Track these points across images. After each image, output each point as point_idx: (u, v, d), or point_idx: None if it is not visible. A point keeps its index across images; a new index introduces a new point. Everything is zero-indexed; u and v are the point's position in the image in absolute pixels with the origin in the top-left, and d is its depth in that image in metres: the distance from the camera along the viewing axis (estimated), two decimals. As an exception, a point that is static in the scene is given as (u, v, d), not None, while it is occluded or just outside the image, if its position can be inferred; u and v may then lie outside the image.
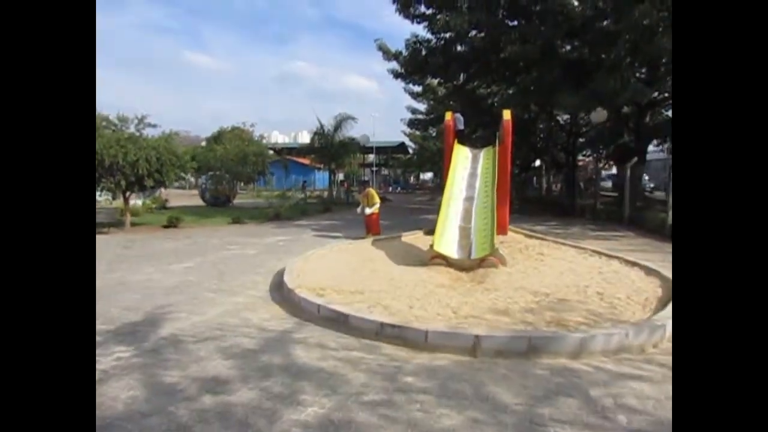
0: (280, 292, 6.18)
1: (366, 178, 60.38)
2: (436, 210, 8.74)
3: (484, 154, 10.48)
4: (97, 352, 4.02)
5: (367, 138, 21.80)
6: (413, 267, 7.13)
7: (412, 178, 66.82)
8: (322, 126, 28.20)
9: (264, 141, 34.48)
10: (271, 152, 31.33)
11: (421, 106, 33.88)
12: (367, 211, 11.36)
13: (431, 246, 7.32)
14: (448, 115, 11.42)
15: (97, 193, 14.46)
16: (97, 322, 4.87)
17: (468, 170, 10.09)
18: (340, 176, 37.78)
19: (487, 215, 8.12)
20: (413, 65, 20.58)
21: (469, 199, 9.03)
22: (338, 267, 7.29)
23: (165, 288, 6.53)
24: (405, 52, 20.84)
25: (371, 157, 49.59)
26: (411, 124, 33.62)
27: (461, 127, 11.27)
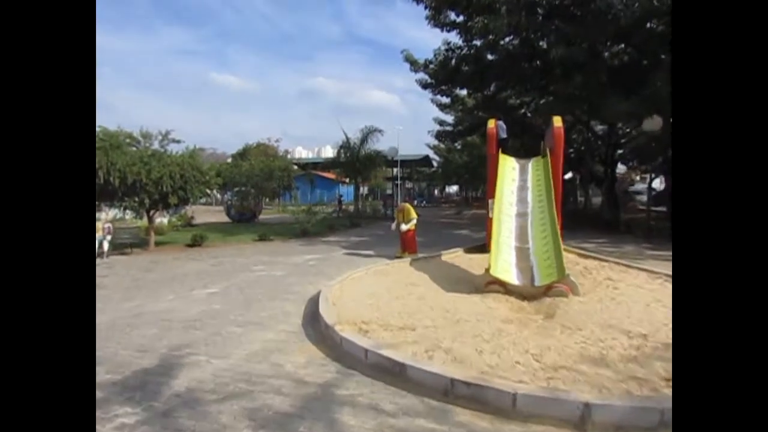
0: (315, 326, 5.31)
1: (390, 192, 59.69)
2: (468, 225, 7.84)
3: (533, 165, 9.47)
4: (97, 414, 3.20)
5: (395, 150, 21.01)
6: (466, 295, 6.16)
7: (435, 191, 65.76)
8: (347, 139, 27.65)
9: (288, 156, 34.41)
10: (295, 167, 30.97)
11: (449, 118, 33.01)
12: (403, 227, 10.46)
13: (487, 270, 6.34)
14: (491, 123, 10.48)
15: (120, 212, 14.05)
16: (102, 369, 4.09)
17: (516, 183, 9.11)
18: (365, 190, 37.05)
19: (547, 234, 7.10)
20: (443, 74, 19.81)
21: (522, 216, 8.03)
22: (379, 293, 6.38)
23: (185, 320, 5.75)
24: (434, 62, 20.16)
25: (394, 171, 48.97)
26: (439, 136, 32.71)
27: (504, 135, 10.32)
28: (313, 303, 6.34)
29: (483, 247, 11.23)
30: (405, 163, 45.32)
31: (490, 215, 10.40)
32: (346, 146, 27.77)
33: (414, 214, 10.55)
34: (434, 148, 53.43)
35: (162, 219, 19.06)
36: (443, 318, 5.07)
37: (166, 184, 12.44)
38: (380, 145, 27.81)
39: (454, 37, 17.83)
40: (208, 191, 14.03)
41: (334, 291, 6.37)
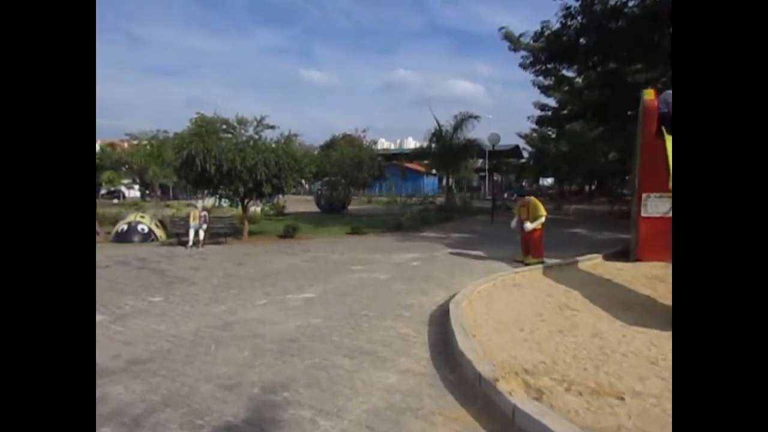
0: (452, 366, 3.81)
1: (476, 184, 56.66)
2: (579, 222, 5.80)
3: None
4: None
5: (497, 137, 18.86)
6: (659, 331, 4.27)
7: (524, 183, 61.34)
8: (439, 127, 25.85)
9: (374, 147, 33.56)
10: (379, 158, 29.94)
11: (552, 101, 29.75)
12: (528, 226, 8.59)
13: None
14: (649, 94, 8.19)
15: (216, 200, 13.78)
16: (176, 417, 2.95)
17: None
18: (452, 182, 34.97)
19: None
20: (557, 48, 17.20)
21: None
22: (527, 318, 4.72)
23: (280, 338, 4.57)
24: (544, 36, 17.63)
25: (479, 162, 46.14)
26: (540, 121, 29.65)
27: (666, 109, 7.98)
28: (438, 326, 4.85)
29: (625, 253, 9.01)
30: (492, 154, 42.48)
31: (645, 214, 8.17)
32: (437, 134, 26.02)
33: (542, 211, 8.63)
34: (526, 137, 49.59)
35: (255, 208, 18.96)
36: (658, 377, 3.28)
37: (261, 172, 11.77)
38: (467, 134, 25.70)
39: (572, 1, 15.26)
40: (302, 180, 13.20)
41: (466, 312, 4.82)
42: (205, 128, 11.67)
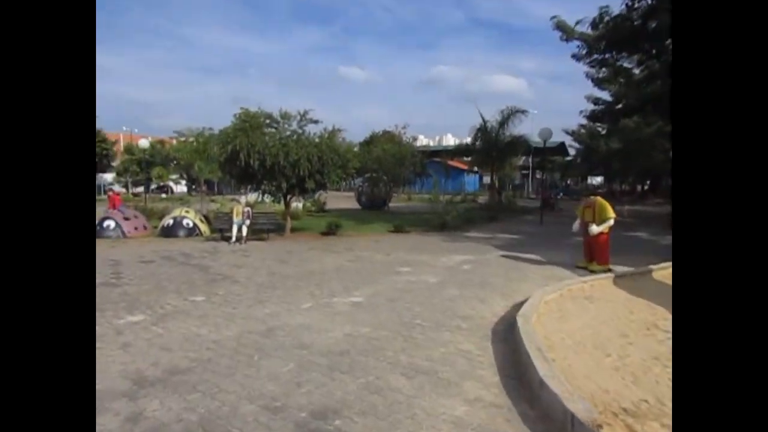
0: (526, 392, 3.24)
1: (518, 182, 54.77)
2: (639, 225, 4.97)
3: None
4: None
5: (548, 133, 17.79)
6: None
7: (569, 182, 58.62)
8: (484, 122, 24.89)
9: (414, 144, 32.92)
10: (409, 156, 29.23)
11: (606, 95, 28.07)
12: (594, 229, 7.78)
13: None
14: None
15: (259, 196, 13.67)
16: (214, 455, 2.56)
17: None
18: (495, 179, 33.85)
19: None
20: (618, 35, 15.99)
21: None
22: (610, 339, 4.06)
23: (329, 350, 4.14)
24: (604, 22, 16.42)
25: (521, 159, 44.36)
26: (593, 116, 28.07)
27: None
28: (504, 343, 4.28)
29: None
30: (537, 151, 40.81)
31: None
32: (482, 130, 25.06)
33: (611, 213, 7.79)
34: (573, 133, 47.40)
35: (297, 203, 18.87)
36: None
37: (304, 167, 11.49)
38: (513, 130, 24.54)
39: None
40: (345, 176, 12.85)
41: (536, 328, 4.21)
42: (250, 123, 11.51)
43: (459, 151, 30.90)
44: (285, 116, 12.23)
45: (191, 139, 21.59)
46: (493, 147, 24.73)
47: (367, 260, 9.08)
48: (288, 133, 12.20)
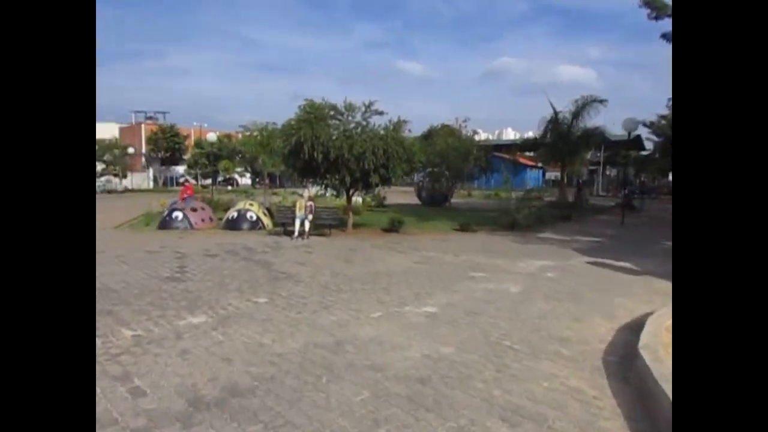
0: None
1: (584, 178, 51.45)
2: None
3: None
4: None
5: (633, 124, 16.03)
6: None
7: (644, 178, 53.83)
8: (556, 113, 23.16)
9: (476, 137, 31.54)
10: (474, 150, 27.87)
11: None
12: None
13: None
14: None
15: (322, 190, 13.36)
16: None
17: None
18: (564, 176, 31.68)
19: None
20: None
21: None
22: None
23: (406, 375, 3.52)
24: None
25: (589, 154, 41.18)
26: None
27: None
28: (626, 383, 3.43)
29: None
30: (608, 145, 37.68)
31: None
32: (553, 122, 23.36)
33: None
34: (651, 125, 43.52)
35: (357, 198, 18.49)
36: None
37: (368, 160, 10.97)
38: (587, 121, 22.55)
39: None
40: (411, 169, 12.19)
41: (668, 365, 3.31)
42: (314, 114, 11.16)
43: (525, 145, 29.17)
44: (349, 108, 11.77)
45: (255, 133, 21.91)
46: (564, 140, 23.01)
47: (436, 262, 8.38)
48: (352, 125, 11.73)
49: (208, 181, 45.42)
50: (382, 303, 5.56)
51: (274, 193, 23.94)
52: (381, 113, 11.98)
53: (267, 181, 25.68)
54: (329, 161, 11.18)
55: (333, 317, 4.96)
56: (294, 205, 11.51)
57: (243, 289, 6.10)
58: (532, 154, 37.46)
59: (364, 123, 11.91)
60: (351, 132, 11.45)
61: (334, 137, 11.13)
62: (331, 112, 11.75)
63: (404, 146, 11.68)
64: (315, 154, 10.90)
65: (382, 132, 11.56)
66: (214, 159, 40.54)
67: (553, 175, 46.88)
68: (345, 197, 12.90)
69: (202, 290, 6.01)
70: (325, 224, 11.83)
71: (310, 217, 11.16)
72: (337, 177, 11.61)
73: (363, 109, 11.91)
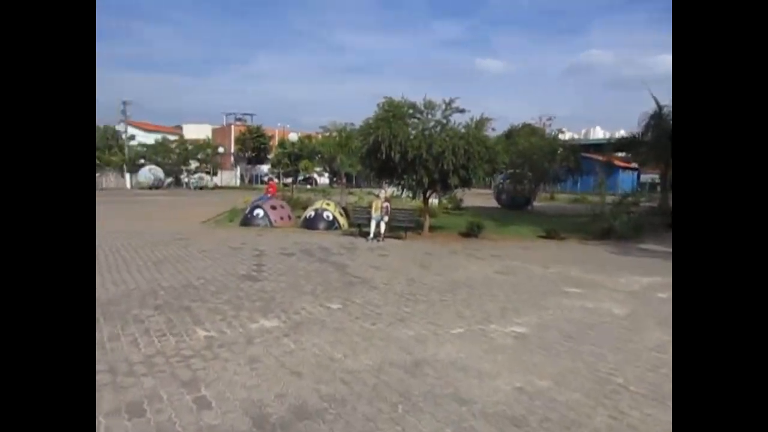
0: None
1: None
2: None
3: None
4: None
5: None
6: None
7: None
8: (660, 108, 20.72)
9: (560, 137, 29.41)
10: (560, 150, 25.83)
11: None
12: None
13: None
14: None
15: (398, 191, 13.02)
16: None
17: None
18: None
19: None
20: None
21: None
22: None
23: (497, 417, 2.97)
24: None
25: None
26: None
27: None
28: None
29: None
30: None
31: None
32: (656, 118, 20.93)
33: None
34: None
35: (433, 200, 17.94)
36: None
37: (448, 161, 10.42)
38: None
39: None
40: (492, 171, 11.42)
41: None
42: (393, 113, 10.84)
43: (621, 144, 26.57)
44: (429, 105, 11.28)
45: (334, 134, 22.23)
46: (670, 138, 20.52)
47: (522, 272, 7.62)
48: (432, 123, 11.24)
49: (289, 180, 47.56)
50: (462, 318, 5.02)
51: (350, 193, 24.18)
52: (462, 111, 11.36)
53: (344, 180, 26.00)
54: (407, 161, 10.79)
55: (410, 331, 4.52)
56: (370, 206, 11.28)
57: (317, 293, 5.88)
58: (623, 154, 34.29)
59: (444, 121, 11.36)
60: (430, 131, 10.98)
61: (412, 136, 10.73)
62: (410, 111, 11.35)
63: (486, 146, 10.95)
64: (392, 154, 10.57)
65: (463, 130, 10.93)
66: (295, 159, 42.28)
67: (649, 177, 42.68)
68: (421, 199, 12.44)
69: (276, 291, 5.89)
70: (400, 226, 11.47)
71: (386, 218, 10.86)
72: (414, 178, 11.19)
73: (443, 106, 11.37)
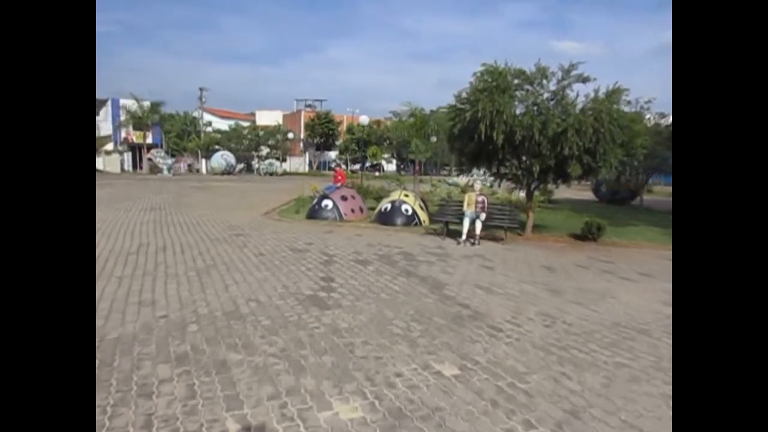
0: None
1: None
2: None
3: None
4: None
5: None
6: None
7: None
8: None
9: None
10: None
11: None
12: None
13: None
14: None
15: (493, 182, 10.69)
16: None
17: None
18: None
19: None
20: None
21: None
22: None
23: None
24: None
25: None
26: None
27: None
28: None
29: None
30: None
31: None
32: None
33: None
34: None
35: (519, 192, 15.27)
36: None
37: (571, 143, 7.95)
38: None
39: None
40: (628, 158, 8.73)
41: None
42: (496, 83, 8.51)
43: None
44: (542, 73, 8.79)
45: (411, 117, 20.10)
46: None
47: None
48: (545, 95, 8.78)
49: (357, 167, 46.36)
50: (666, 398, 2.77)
51: (421, 181, 22.08)
52: (586, 80, 8.73)
53: (418, 168, 23.91)
54: (513, 145, 8.47)
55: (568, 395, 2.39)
56: (463, 201, 9.11)
57: (413, 338, 3.90)
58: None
59: (559, 94, 8.82)
60: (542, 105, 8.53)
61: (520, 112, 8.37)
62: (515, 81, 8.93)
63: (621, 125, 8.30)
64: (494, 135, 8.29)
65: (590, 104, 8.35)
66: (363, 144, 40.81)
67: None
68: (526, 192, 10.04)
69: (354, 331, 3.99)
70: (501, 226, 9.18)
71: (483, 216, 8.65)
72: (521, 165, 8.84)
73: (560, 74, 8.82)
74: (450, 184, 26.15)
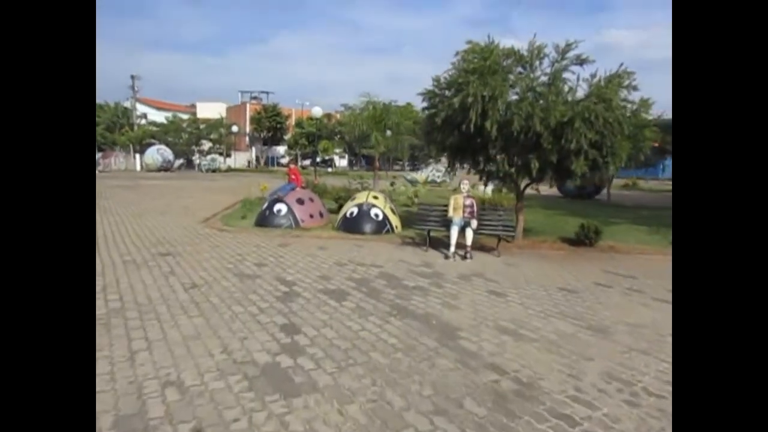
0: None
1: None
2: None
3: None
4: None
5: None
6: None
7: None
8: None
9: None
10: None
11: None
12: None
13: None
14: None
15: (440, 177, 9.31)
16: None
17: None
18: None
19: None
20: None
21: None
22: None
23: None
24: None
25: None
26: None
27: None
28: None
29: None
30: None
31: None
32: None
33: None
34: None
35: (486, 188, 14.07)
36: None
37: (578, 135, 6.68)
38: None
39: None
40: (636, 152, 7.62)
41: None
42: (489, 63, 7.06)
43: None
44: (538, 52, 7.45)
45: (369, 108, 18.41)
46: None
47: None
48: (542, 78, 7.46)
49: (307, 162, 43.99)
50: None
51: (379, 177, 20.57)
52: (583, 62, 7.50)
53: (378, 163, 22.31)
54: (507, 137, 7.08)
55: None
56: (447, 206, 7.62)
57: (449, 457, 2.31)
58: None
59: (558, 79, 7.53)
60: (544, 90, 7.21)
61: (518, 99, 7.00)
62: (506, 62, 7.53)
63: (625, 115, 7.15)
64: (487, 125, 6.86)
65: (594, 90, 7.11)
66: (313, 139, 38.57)
67: None
68: (515, 192, 8.75)
69: (346, 449, 2.34)
70: (494, 234, 7.77)
71: (474, 224, 7.21)
72: (515, 161, 7.49)
73: (555, 55, 7.53)
74: (409, 180, 24.81)
